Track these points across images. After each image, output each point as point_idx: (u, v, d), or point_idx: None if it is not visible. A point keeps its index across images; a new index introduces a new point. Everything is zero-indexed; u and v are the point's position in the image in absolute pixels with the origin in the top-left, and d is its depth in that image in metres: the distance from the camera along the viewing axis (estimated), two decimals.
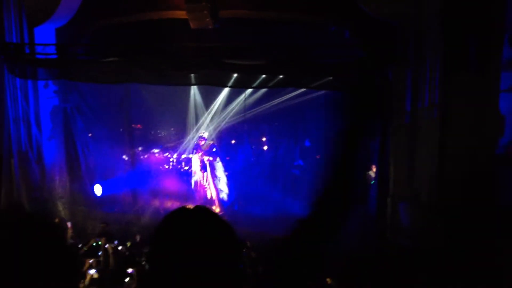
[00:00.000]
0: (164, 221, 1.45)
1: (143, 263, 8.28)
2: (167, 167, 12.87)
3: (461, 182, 7.12)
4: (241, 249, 1.44)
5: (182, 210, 1.48)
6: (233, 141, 12.97)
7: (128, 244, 9.43)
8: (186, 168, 12.62)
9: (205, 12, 9.11)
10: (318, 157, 11.74)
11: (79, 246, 9.32)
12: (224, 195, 12.25)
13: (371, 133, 9.12)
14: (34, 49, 10.11)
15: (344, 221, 1.71)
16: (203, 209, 1.49)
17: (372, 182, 9.45)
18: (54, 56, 9.99)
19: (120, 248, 9.21)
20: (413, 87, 7.77)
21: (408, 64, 7.85)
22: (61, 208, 11.11)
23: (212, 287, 1.35)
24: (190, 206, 1.51)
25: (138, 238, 9.75)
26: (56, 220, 10.10)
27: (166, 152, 13.04)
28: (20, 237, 1.28)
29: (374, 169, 9.32)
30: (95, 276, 7.57)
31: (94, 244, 9.18)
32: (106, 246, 8.84)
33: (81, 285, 7.41)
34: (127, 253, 9.18)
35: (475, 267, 6.14)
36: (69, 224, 9.71)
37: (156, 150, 13.10)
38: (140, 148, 12.98)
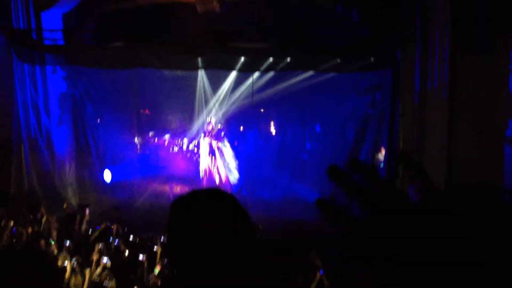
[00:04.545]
0: (180, 201, 1.43)
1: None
2: (175, 152, 12.87)
3: (471, 163, 7.06)
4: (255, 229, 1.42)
5: (197, 191, 1.48)
6: (241, 126, 12.92)
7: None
8: (195, 152, 12.61)
9: None
10: (326, 140, 11.66)
11: (89, 231, 9.37)
12: (232, 179, 12.25)
13: (380, 114, 9.07)
14: (41, 34, 10.10)
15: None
16: (218, 191, 1.49)
17: (381, 165, 9.39)
18: (61, 42, 9.99)
19: (130, 234, 9.24)
20: (422, 67, 7.66)
21: (417, 43, 7.73)
22: (71, 194, 11.17)
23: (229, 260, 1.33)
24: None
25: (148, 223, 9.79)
26: (64, 206, 10.14)
27: (174, 137, 13.03)
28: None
29: (383, 151, 9.25)
30: (108, 265, 7.57)
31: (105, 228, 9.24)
32: (117, 231, 8.89)
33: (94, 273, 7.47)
34: (138, 238, 9.22)
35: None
36: (87, 211, 9.69)
37: (163, 136, 13.08)
38: (148, 134, 12.98)
